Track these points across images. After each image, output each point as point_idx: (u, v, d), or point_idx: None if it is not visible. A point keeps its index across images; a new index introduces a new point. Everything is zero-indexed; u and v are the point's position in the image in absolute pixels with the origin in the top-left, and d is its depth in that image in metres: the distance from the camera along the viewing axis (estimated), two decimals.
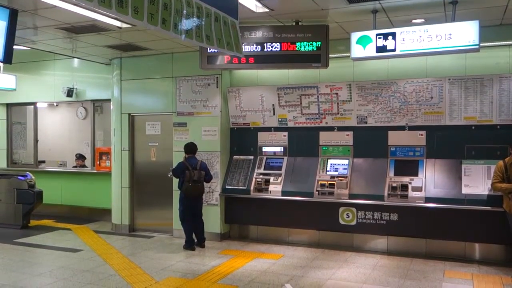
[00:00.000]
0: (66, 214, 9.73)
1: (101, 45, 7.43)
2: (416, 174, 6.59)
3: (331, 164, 7.18)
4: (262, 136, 7.70)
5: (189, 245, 7.09)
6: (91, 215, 9.50)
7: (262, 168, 7.55)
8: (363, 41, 5.65)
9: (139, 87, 8.33)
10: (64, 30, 6.37)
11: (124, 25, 6.03)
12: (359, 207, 6.80)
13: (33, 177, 8.75)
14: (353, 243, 7.06)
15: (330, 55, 6.08)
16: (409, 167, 6.68)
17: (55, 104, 11.12)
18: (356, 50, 5.68)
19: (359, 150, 7.08)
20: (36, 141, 10.32)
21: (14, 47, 5.06)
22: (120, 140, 8.44)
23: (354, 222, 6.85)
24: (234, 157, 7.82)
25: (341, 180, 6.91)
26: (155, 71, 8.17)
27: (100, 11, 5.10)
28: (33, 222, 9.00)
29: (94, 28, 6.25)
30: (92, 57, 8.53)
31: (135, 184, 8.42)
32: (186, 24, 3.24)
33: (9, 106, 10.50)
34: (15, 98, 10.03)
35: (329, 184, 6.94)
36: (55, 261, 6.53)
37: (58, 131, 11.42)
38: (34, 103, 10.25)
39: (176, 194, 7.32)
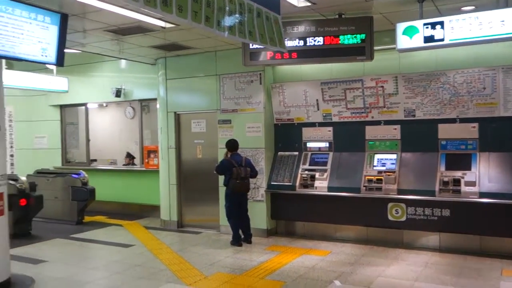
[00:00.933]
0: (117, 211, 10.05)
1: (146, 46, 7.60)
2: (469, 168, 6.33)
3: (378, 159, 7.02)
4: (306, 132, 7.63)
5: (236, 241, 7.15)
6: (141, 212, 9.77)
7: (307, 164, 7.50)
8: (410, 31, 5.47)
9: (184, 85, 8.47)
10: (111, 32, 6.57)
11: (168, 25, 6.14)
12: (408, 202, 6.62)
13: (86, 175, 9.09)
14: (403, 239, 6.88)
15: (375, 47, 5.93)
16: (461, 161, 6.42)
17: (104, 104, 11.50)
18: (403, 41, 5.51)
19: (408, 144, 6.88)
20: (87, 140, 10.73)
21: (65, 50, 5.27)
22: (167, 138, 8.62)
23: (403, 218, 6.67)
24: (279, 153, 7.80)
25: (389, 175, 6.74)
26: (199, 69, 8.27)
27: (145, 11, 5.22)
28: (87, 218, 9.36)
29: (139, 29, 6.40)
30: (138, 58, 8.75)
31: (182, 181, 8.58)
32: (229, 20, 3.25)
33: (62, 107, 10.96)
34: (67, 99, 10.46)
35: (377, 179, 6.80)
36: (109, 255, 6.77)
37: (108, 131, 11.80)
38: (85, 104, 10.64)
39: (222, 190, 7.39)
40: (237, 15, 3.33)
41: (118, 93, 9.68)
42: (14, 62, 10.36)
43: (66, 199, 9.06)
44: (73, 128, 11.14)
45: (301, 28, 5.98)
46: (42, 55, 5.04)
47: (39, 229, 8.36)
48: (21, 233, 7.84)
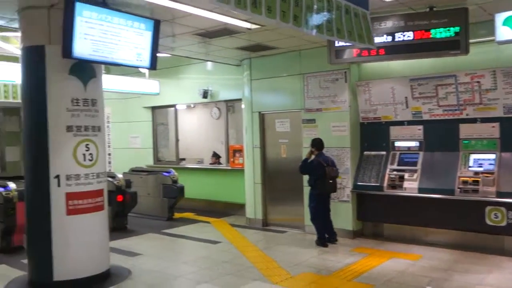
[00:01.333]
0: (205, 208, 10.40)
1: (232, 47, 7.77)
2: None
3: (474, 159, 6.57)
4: (394, 131, 7.36)
5: (322, 242, 7.07)
6: (226, 209, 10.02)
7: (396, 163, 7.22)
8: (511, 22, 5.06)
9: (268, 85, 8.55)
10: (199, 35, 6.80)
11: (254, 26, 6.22)
12: (510, 206, 6.12)
13: (175, 173, 9.52)
14: (504, 246, 6.37)
15: (469, 40, 5.56)
16: None
17: (192, 105, 11.97)
18: (503, 33, 5.12)
19: (508, 143, 6.37)
20: (177, 140, 11.22)
21: (157, 54, 5.55)
22: (251, 137, 8.76)
23: (504, 223, 6.18)
24: (365, 152, 7.60)
25: (486, 176, 6.29)
26: (283, 69, 8.30)
27: (233, 13, 5.33)
28: (176, 215, 9.79)
29: (226, 31, 6.56)
30: (224, 59, 8.97)
31: (267, 180, 8.66)
32: (317, 19, 3.22)
33: (153, 108, 11.56)
34: (158, 101, 11.02)
35: (473, 181, 6.37)
36: (197, 251, 7.03)
37: (195, 131, 12.27)
38: (174, 105, 11.14)
39: (307, 190, 7.35)
40: (325, 13, 3.29)
41: (205, 94, 10.01)
42: (111, 67, 11.15)
43: (157, 196, 9.55)
44: (163, 129, 11.71)
45: (389, 23, 5.78)
46: (137, 60, 5.34)
47: (133, 224, 8.90)
48: (118, 227, 8.39)
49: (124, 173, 10.23)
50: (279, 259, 6.33)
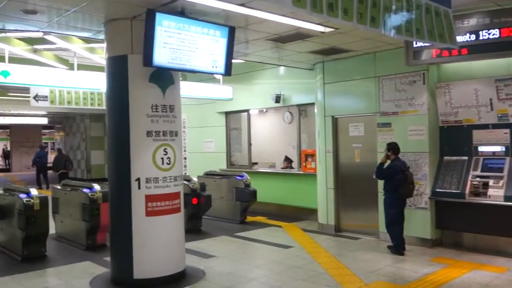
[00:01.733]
0: (276, 212, 10.43)
1: (305, 51, 7.74)
2: None
3: None
4: (477, 135, 6.93)
5: (398, 249, 6.82)
6: (298, 214, 9.97)
7: (479, 169, 6.80)
8: None
9: (341, 89, 8.41)
10: (272, 40, 6.85)
11: (328, 29, 6.16)
12: None
13: (248, 177, 9.64)
14: None
15: None
16: None
17: (264, 110, 12.09)
18: None
19: None
20: (249, 144, 11.36)
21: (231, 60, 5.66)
22: (324, 142, 8.66)
23: None
24: (445, 158, 7.23)
25: None
26: (357, 72, 8.13)
27: (306, 17, 5.31)
28: (249, 218, 9.91)
29: (299, 35, 6.55)
30: (296, 64, 8.97)
31: (340, 185, 8.51)
32: (396, 19, 3.11)
33: (227, 114, 11.80)
34: (232, 106, 11.24)
35: None
36: (269, 255, 7.05)
37: (267, 135, 12.37)
38: (247, 110, 11.30)
39: (382, 195, 7.13)
40: (404, 13, 3.18)
41: (277, 99, 10.06)
42: (187, 74, 11.56)
43: (230, 199, 9.72)
44: (236, 133, 11.92)
45: (472, 21, 5.47)
46: (213, 67, 5.49)
47: (207, 226, 9.12)
48: (193, 229, 8.64)
49: (198, 177, 10.55)
50: (352, 266, 6.18)
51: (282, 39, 6.81)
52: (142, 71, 5.32)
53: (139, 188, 5.39)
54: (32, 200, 6.69)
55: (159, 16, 4.84)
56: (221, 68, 5.57)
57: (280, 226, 9.17)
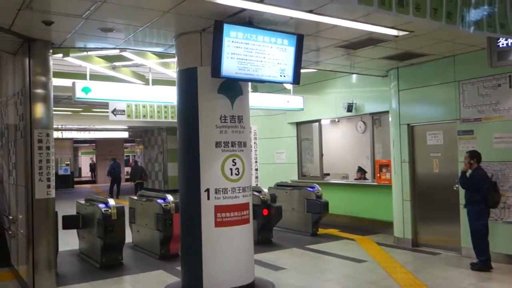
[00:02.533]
0: (349, 225, 10.09)
1: (377, 58, 7.46)
2: None
3: None
4: None
5: (486, 266, 6.27)
6: (372, 227, 9.57)
7: None
8: None
9: (417, 96, 7.99)
10: (343, 47, 6.66)
11: (401, 33, 5.86)
12: None
13: (319, 189, 9.42)
14: None
15: None
16: None
17: (336, 120, 11.83)
18: None
19: None
20: (321, 155, 11.14)
21: (301, 70, 5.56)
22: (399, 151, 8.25)
23: None
24: None
25: None
26: (434, 77, 7.68)
27: (377, 22, 5.09)
28: (321, 231, 9.67)
29: (371, 41, 6.30)
30: (369, 71, 8.67)
31: (417, 197, 8.05)
32: (475, 14, 2.85)
33: (298, 124, 11.68)
34: (303, 116, 11.11)
35: None
36: (341, 269, 6.79)
37: (340, 145, 12.07)
38: (318, 120, 11.10)
39: (463, 207, 6.63)
40: (485, 7, 2.90)
41: (349, 108, 9.78)
42: (258, 85, 11.63)
43: (301, 211, 9.55)
44: (308, 144, 11.74)
45: None
46: (281, 76, 5.42)
47: (278, 238, 9.01)
48: (263, 240, 8.58)
49: (269, 188, 10.49)
50: (431, 283, 5.77)
51: (353, 46, 6.59)
52: (211, 83, 5.38)
53: (208, 198, 5.41)
54: (110, 210, 6.99)
55: (226, 27, 4.87)
56: (289, 77, 5.48)
57: (353, 239, 8.83)
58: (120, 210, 7.06)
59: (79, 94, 7.46)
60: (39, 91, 5.77)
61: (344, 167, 11.47)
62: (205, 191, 5.43)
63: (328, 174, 11.25)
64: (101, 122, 17.58)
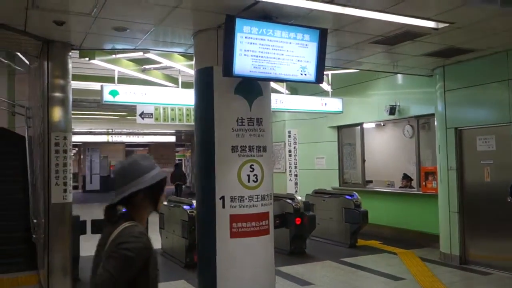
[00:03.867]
0: (393, 237, 9.37)
1: (419, 54, 6.79)
2: None
3: None
4: None
5: None
6: (417, 240, 8.81)
7: None
8: None
9: (466, 96, 7.23)
10: (378, 43, 6.08)
11: (441, 25, 5.22)
12: None
13: (359, 197, 8.79)
14: None
15: None
16: None
17: (382, 124, 11.14)
18: None
19: None
20: (363, 161, 10.47)
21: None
22: (446, 158, 7.50)
23: None
24: None
25: None
26: (485, 75, 6.90)
27: (411, 13, 4.52)
28: (360, 242, 9.04)
29: (407, 35, 5.69)
30: (412, 70, 7.99)
31: (465, 209, 7.26)
32: None
33: (339, 128, 11.08)
34: (344, 120, 10.52)
35: None
36: (375, 286, 6.17)
37: (385, 151, 11.35)
38: (360, 124, 10.46)
39: None
40: None
41: (392, 111, 9.09)
42: (298, 87, 11.17)
43: (339, 221, 8.96)
44: (350, 149, 11.11)
45: None
46: (301, 74, 4.96)
47: (313, 248, 8.51)
48: (296, 251, 8.10)
49: (307, 195, 10.03)
50: None
51: (389, 41, 6.00)
52: (227, 83, 5.01)
53: (223, 207, 5.03)
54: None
55: (239, 22, 4.49)
56: (311, 75, 5.01)
57: (394, 253, 8.14)
58: None
59: (107, 97, 7.35)
60: (57, 94, 5.68)
61: (390, 174, 10.72)
62: (220, 198, 5.05)
63: (371, 181, 10.56)
64: (147, 126, 17.77)
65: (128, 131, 21.37)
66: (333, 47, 6.18)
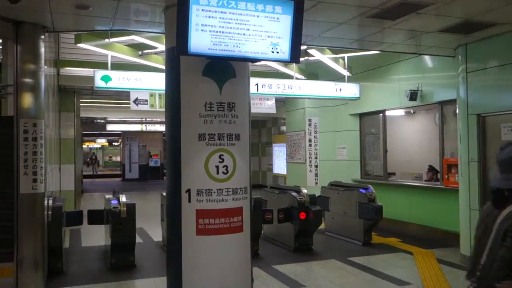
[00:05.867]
0: (415, 234, 8.55)
1: (433, 31, 5.96)
2: None
3: None
4: None
5: None
6: (441, 239, 7.95)
7: None
8: None
9: (490, 78, 6.33)
10: (375, 18, 5.33)
11: None
12: None
13: (373, 191, 8.04)
14: None
15: None
16: None
17: (411, 111, 10.27)
18: None
19: None
20: (385, 151, 9.64)
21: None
22: (467, 148, 6.63)
23: None
24: None
25: None
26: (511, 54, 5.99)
27: None
28: (377, 239, 8.33)
29: (405, 6, 4.92)
30: (432, 50, 7.11)
31: None
32: None
33: (361, 116, 10.29)
34: (365, 107, 9.75)
35: None
36: None
37: (412, 141, 10.45)
38: (382, 111, 9.62)
39: None
40: None
41: (413, 96, 8.22)
42: (319, 73, 10.47)
43: (353, 216, 8.25)
44: (373, 138, 10.30)
45: None
46: (272, 52, 4.33)
47: (322, 246, 7.92)
48: (302, 247, 7.52)
49: (322, 188, 9.41)
50: None
51: (389, 15, 5.24)
52: (195, 64, 4.48)
53: (189, 201, 4.53)
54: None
55: None
56: (284, 53, 4.37)
57: (410, 253, 7.37)
58: (130, 207, 6.53)
59: (99, 83, 7.08)
60: (27, 80, 5.38)
61: (418, 166, 9.82)
62: (186, 191, 4.55)
63: (394, 174, 9.71)
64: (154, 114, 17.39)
65: (162, 120, 21.35)
66: (324, 23, 5.51)
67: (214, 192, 4.54)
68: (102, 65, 7.93)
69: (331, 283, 5.85)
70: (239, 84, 4.73)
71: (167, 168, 4.90)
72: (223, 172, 4.58)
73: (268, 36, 4.28)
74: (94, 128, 25.12)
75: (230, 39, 4.16)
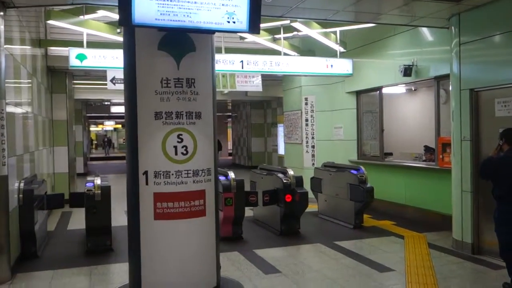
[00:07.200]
0: (409, 216, 8.22)
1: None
2: None
3: None
4: None
5: None
6: (435, 221, 7.59)
7: None
8: None
9: (484, 49, 5.87)
10: None
11: None
12: None
13: (365, 172, 7.67)
14: None
15: None
16: None
17: (413, 88, 9.83)
18: None
19: None
20: (381, 130, 9.23)
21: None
22: (459, 126, 6.21)
23: None
24: None
25: None
26: (507, 22, 5.49)
27: None
28: (371, 222, 8.02)
29: None
30: (425, 21, 6.63)
31: (480, 188, 5.97)
32: None
33: (358, 93, 9.86)
34: (361, 84, 9.33)
35: None
36: (350, 280, 5.16)
37: (412, 119, 10.00)
38: (379, 88, 9.17)
39: None
40: None
41: (407, 71, 7.77)
42: (315, 49, 10.03)
43: (345, 198, 7.92)
44: (371, 117, 9.87)
45: None
46: (228, 22, 4.00)
47: (311, 229, 7.66)
48: (288, 231, 7.23)
49: (315, 169, 9.08)
50: None
51: None
52: (150, 37, 4.21)
53: (146, 183, 4.30)
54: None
55: None
56: (241, 23, 4.03)
57: (402, 237, 7.03)
58: (105, 190, 6.31)
59: (74, 62, 6.82)
60: None
61: (419, 146, 9.38)
62: (143, 174, 4.32)
63: (391, 154, 9.32)
64: None
65: None
66: None
67: (173, 174, 4.30)
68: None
69: (309, 269, 5.56)
70: (199, 59, 4.43)
71: (126, 149, 4.63)
72: (182, 153, 4.32)
73: (223, 5, 3.96)
74: (102, 110, 25.03)
75: (180, 8, 3.84)
